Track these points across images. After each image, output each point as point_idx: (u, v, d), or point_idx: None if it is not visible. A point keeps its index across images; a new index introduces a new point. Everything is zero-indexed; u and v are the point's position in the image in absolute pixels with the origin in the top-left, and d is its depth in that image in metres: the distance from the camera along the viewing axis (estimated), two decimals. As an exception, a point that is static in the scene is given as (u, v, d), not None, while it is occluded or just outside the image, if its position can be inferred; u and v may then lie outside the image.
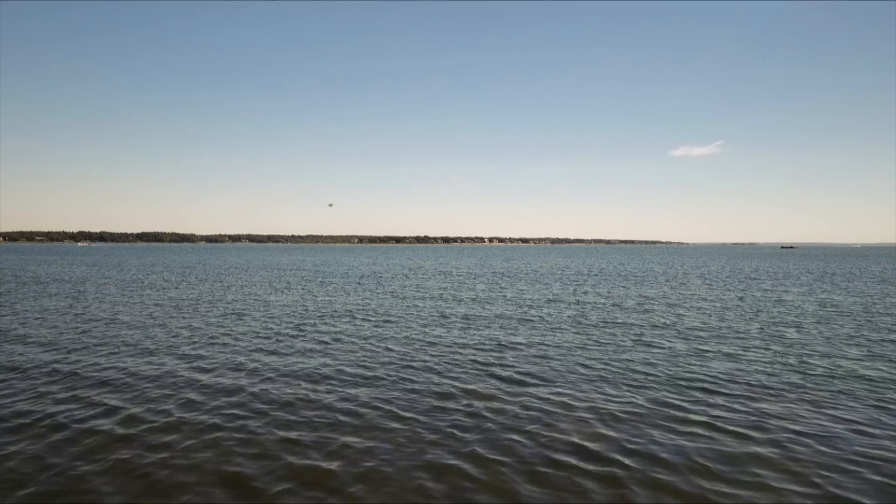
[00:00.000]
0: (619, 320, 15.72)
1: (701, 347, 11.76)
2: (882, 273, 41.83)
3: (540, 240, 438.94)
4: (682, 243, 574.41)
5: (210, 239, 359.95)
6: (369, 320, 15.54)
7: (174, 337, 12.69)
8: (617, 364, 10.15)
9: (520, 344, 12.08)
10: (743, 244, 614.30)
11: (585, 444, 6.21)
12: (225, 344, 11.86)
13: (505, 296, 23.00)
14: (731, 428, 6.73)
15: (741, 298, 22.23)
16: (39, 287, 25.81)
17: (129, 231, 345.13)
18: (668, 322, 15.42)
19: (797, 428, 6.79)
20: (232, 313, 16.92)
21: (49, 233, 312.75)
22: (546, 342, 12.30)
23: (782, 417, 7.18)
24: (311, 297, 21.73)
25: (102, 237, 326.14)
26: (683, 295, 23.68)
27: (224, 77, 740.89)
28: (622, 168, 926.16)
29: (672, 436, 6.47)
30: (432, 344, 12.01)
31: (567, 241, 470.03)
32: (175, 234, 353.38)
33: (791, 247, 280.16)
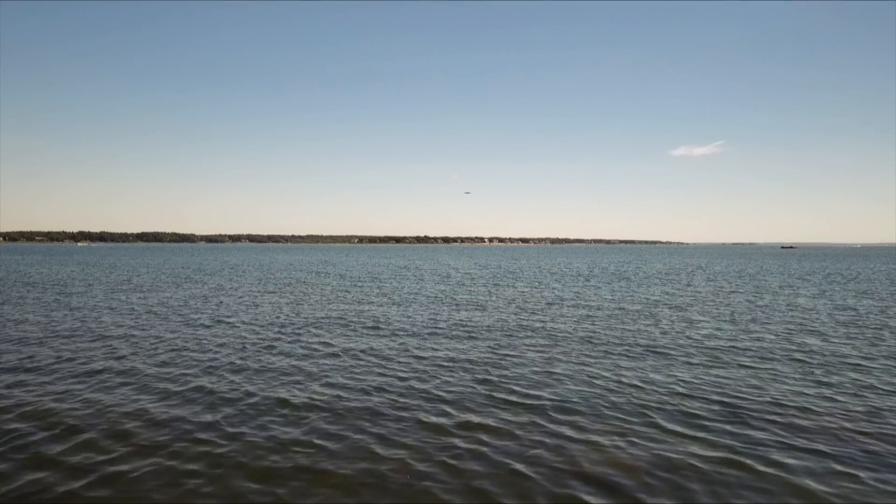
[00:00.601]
0: (627, 328, 14.67)
1: (719, 359, 10.85)
2: (889, 274, 41.10)
3: (540, 240, 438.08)
4: (682, 243, 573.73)
5: (210, 239, 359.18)
6: (357, 330, 14.37)
7: (135, 351, 11.50)
8: (628, 382, 9.20)
9: (521, 358, 11.12)
10: (743, 244, 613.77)
11: (594, 485, 5.34)
12: (191, 361, 10.59)
13: (505, 298, 22.09)
14: (760, 454, 5.86)
15: (752, 302, 21.31)
16: (22, 290, 24.78)
17: (129, 231, 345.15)
18: (678, 329, 14.53)
19: (842, 469, 5.84)
20: (209, 321, 15.75)
21: (49, 233, 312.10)
22: (552, 356, 11.31)
23: (818, 453, 6.24)
24: (298, 303, 20.60)
25: (102, 237, 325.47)
26: (692, 298, 22.72)
27: (224, 77, 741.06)
28: (622, 168, 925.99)
29: (695, 476, 5.56)
30: (423, 358, 11.01)
31: (567, 241, 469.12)
32: (175, 234, 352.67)
33: (791, 247, 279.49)
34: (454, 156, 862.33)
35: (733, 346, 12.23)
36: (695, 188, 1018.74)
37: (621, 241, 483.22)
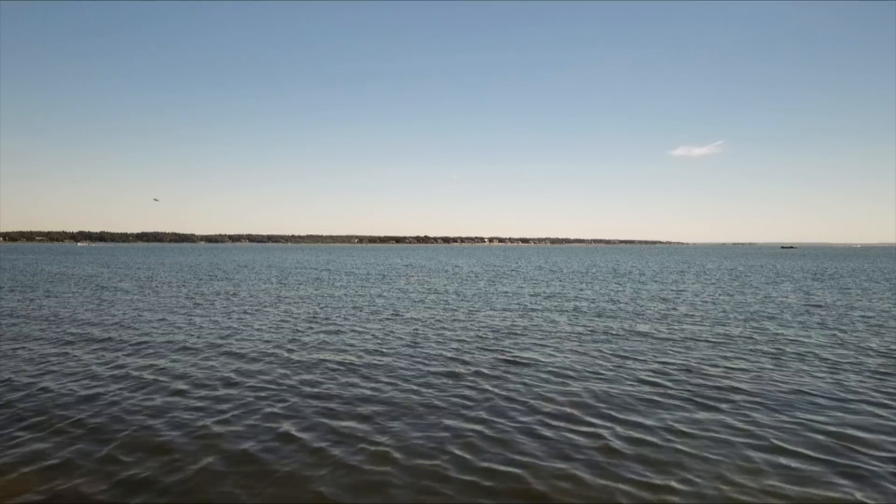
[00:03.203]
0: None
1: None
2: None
3: (540, 240, 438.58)
4: (682, 243, 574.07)
5: (210, 239, 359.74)
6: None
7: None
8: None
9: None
10: (743, 244, 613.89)
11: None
12: None
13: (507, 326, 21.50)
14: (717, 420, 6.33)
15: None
16: None
17: (129, 231, 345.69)
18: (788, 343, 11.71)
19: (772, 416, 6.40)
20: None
21: (49, 233, 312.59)
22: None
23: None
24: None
25: (102, 237, 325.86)
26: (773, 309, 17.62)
27: (224, 77, 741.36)
28: (622, 168, 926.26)
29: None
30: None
31: (567, 241, 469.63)
32: (175, 234, 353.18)
33: (791, 247, 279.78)
34: (454, 156, 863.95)
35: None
36: (695, 188, 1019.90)
37: (621, 241, 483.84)
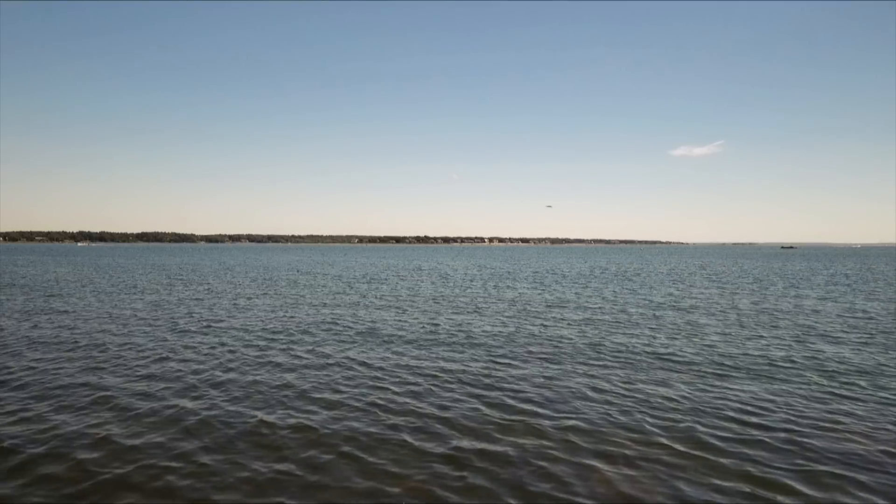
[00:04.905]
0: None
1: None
2: None
3: (540, 240, 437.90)
4: (682, 243, 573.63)
5: (210, 239, 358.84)
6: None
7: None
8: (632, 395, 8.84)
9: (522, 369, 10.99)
10: (743, 244, 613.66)
11: None
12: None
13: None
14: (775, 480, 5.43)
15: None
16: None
17: (129, 231, 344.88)
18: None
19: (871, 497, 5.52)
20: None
21: (49, 233, 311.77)
22: (553, 366, 11.01)
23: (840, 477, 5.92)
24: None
25: (102, 237, 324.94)
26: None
27: (224, 77, 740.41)
28: (622, 168, 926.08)
29: None
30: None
31: (567, 241, 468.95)
32: (175, 234, 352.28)
33: (791, 247, 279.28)
34: (454, 156, 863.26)
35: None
36: (695, 188, 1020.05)
37: (621, 241, 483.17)
